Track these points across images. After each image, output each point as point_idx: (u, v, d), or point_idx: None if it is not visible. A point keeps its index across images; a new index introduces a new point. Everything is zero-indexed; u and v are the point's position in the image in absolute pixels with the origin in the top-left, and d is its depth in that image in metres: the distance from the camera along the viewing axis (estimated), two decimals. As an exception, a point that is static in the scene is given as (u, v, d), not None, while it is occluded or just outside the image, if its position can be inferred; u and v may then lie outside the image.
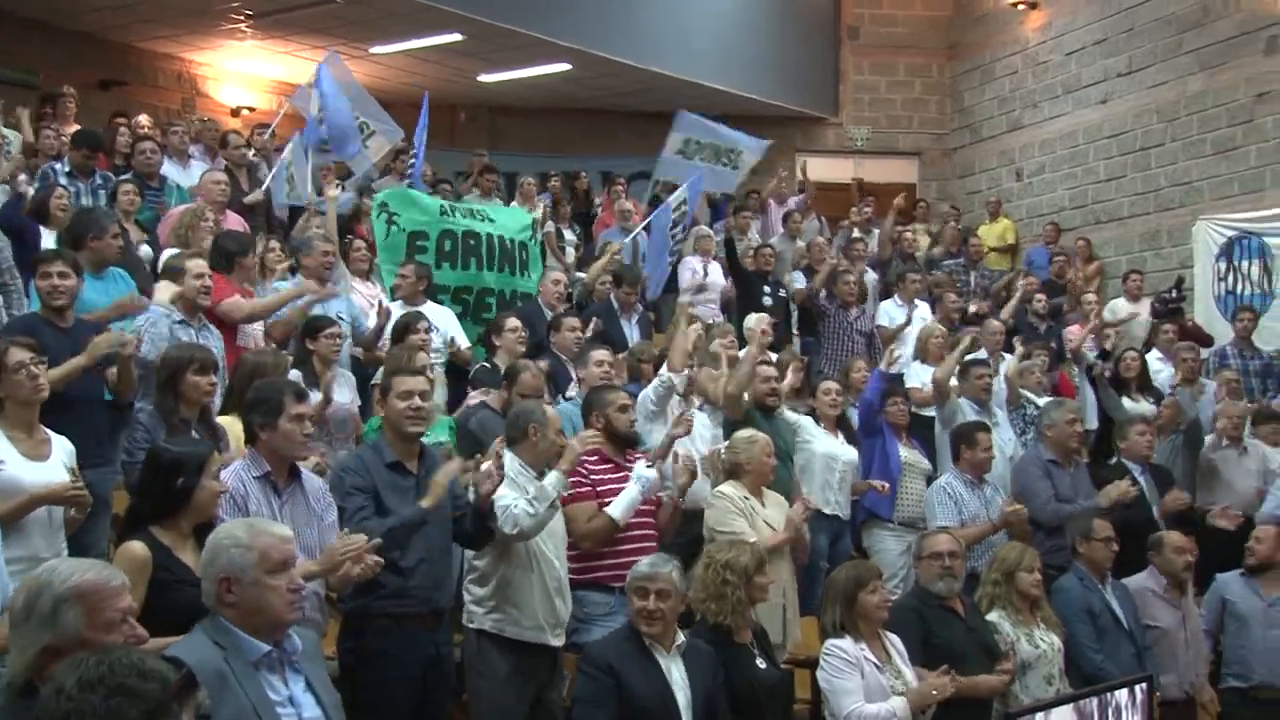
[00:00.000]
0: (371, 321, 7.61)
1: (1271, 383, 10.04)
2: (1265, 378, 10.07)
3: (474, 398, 6.71)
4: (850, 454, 7.38)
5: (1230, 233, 12.48)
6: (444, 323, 7.92)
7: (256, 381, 4.96)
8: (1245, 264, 12.33)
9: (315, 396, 6.04)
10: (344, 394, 6.75)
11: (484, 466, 4.76)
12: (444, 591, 4.90)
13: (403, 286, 8.01)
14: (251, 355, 6.07)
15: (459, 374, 7.77)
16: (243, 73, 14.95)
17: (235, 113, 14.72)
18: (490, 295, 8.91)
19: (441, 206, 8.99)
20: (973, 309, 11.08)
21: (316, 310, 7.07)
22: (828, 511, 7.14)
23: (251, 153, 10.40)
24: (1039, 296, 10.99)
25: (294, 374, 6.15)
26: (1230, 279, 12.47)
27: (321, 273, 7.53)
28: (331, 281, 7.71)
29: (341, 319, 7.25)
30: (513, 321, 7.57)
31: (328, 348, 6.66)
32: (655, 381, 6.69)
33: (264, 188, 9.63)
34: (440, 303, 8.40)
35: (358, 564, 4.05)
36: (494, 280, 8.93)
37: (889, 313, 10.44)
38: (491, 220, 9.16)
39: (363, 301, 8.09)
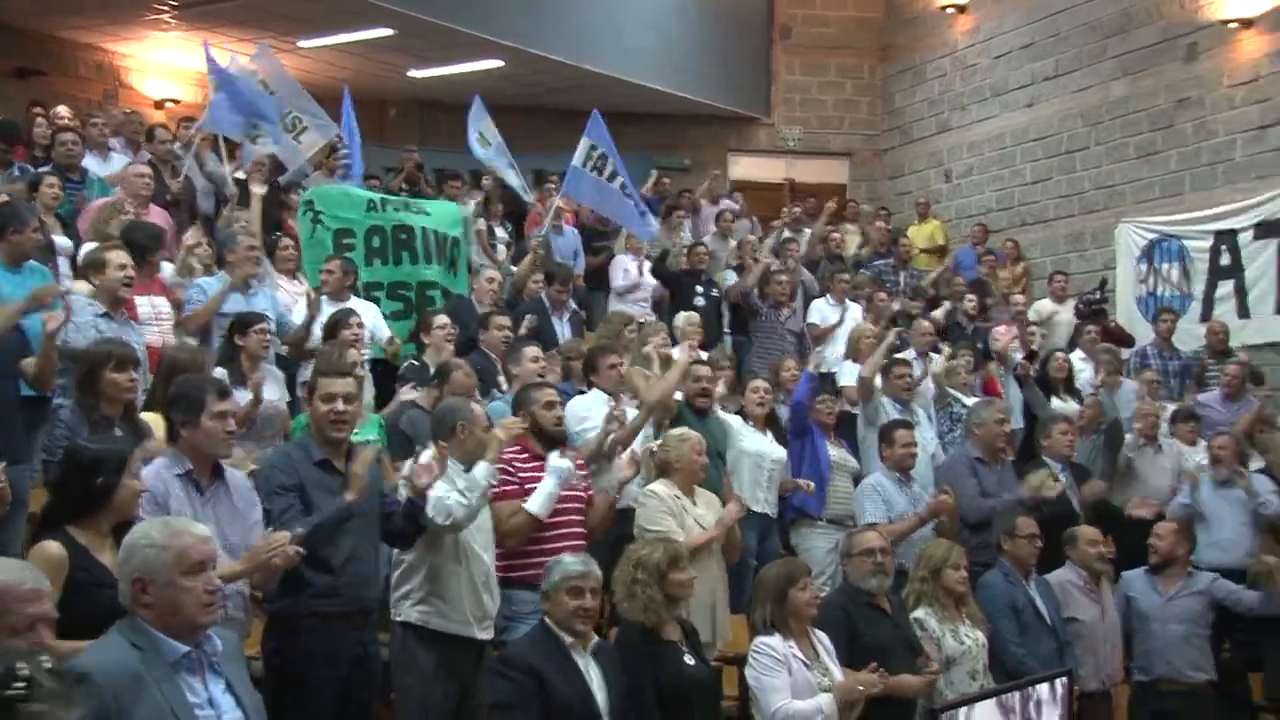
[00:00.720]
0: (298, 318, 7.52)
1: (1190, 383, 10.24)
2: (1184, 378, 10.28)
3: (403, 395, 6.67)
4: (779, 452, 7.41)
5: (1151, 235, 12.71)
6: (369, 319, 7.86)
7: (178, 378, 4.88)
8: (1165, 266, 12.56)
9: (242, 394, 5.99)
10: (272, 391, 6.67)
11: (424, 458, 4.73)
12: (372, 590, 4.85)
13: (329, 283, 7.93)
14: (171, 350, 5.97)
15: (389, 371, 7.70)
16: (167, 64, 14.69)
17: (159, 105, 14.47)
18: (433, 288, 8.84)
19: (370, 201, 8.90)
20: (898, 306, 11.19)
21: (244, 307, 6.98)
22: (757, 509, 7.17)
23: (178, 146, 10.23)
24: (969, 297, 11.12)
25: (220, 371, 6.11)
26: (1151, 281, 12.70)
27: (248, 268, 7.43)
28: (257, 278, 7.62)
29: (268, 316, 7.15)
30: (441, 319, 7.54)
31: (257, 344, 6.57)
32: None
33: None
34: (376, 300, 8.33)
35: (278, 555, 4.02)
36: (432, 274, 8.86)
37: (821, 312, 10.52)
38: (427, 214, 9.09)
39: (288, 299, 7.99)
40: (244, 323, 6.62)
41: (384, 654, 5.11)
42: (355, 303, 7.85)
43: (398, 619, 5.09)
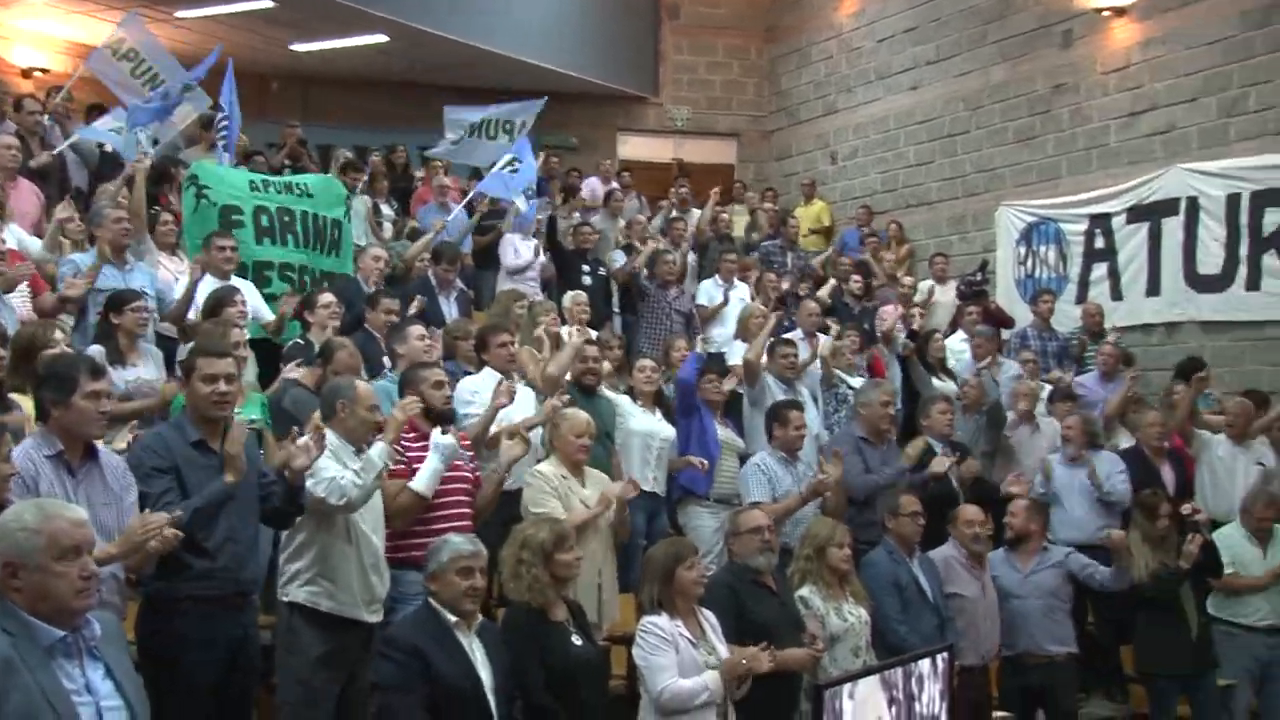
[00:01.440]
0: (180, 295, 7.33)
1: (1068, 363, 10.52)
2: (1062, 358, 10.55)
3: (286, 373, 6.55)
4: (667, 431, 7.44)
5: (1029, 219, 13.00)
6: (251, 298, 7.68)
7: (45, 355, 4.73)
8: (1043, 249, 12.86)
9: (117, 373, 5.83)
10: (150, 370, 6.50)
11: (300, 440, 4.65)
12: (250, 572, 4.77)
13: (213, 260, 7.72)
14: (25, 327, 5.81)
15: (272, 350, 7.55)
16: (35, 32, 14.15)
17: (27, 74, 13.95)
18: (309, 274, 8.70)
19: (252, 181, 8.69)
20: (786, 287, 11.29)
21: (121, 284, 6.79)
22: (646, 489, 7.18)
23: (46, 117, 9.88)
24: (854, 278, 11.26)
25: (96, 349, 5.95)
26: (1030, 263, 13.00)
27: (119, 243, 7.21)
28: (136, 255, 7.41)
29: (146, 293, 6.96)
30: (326, 297, 7.43)
31: (134, 322, 6.41)
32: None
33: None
34: (268, 280, 8.16)
35: (154, 538, 3.94)
36: (311, 259, 8.71)
37: (708, 292, 10.57)
38: (311, 196, 8.91)
39: (168, 275, 7.78)
40: (120, 300, 6.45)
41: (264, 638, 5.02)
42: (236, 282, 7.67)
43: (285, 599, 5.01)
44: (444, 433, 5.51)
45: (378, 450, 4.95)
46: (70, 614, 3.03)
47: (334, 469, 4.83)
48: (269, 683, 5.19)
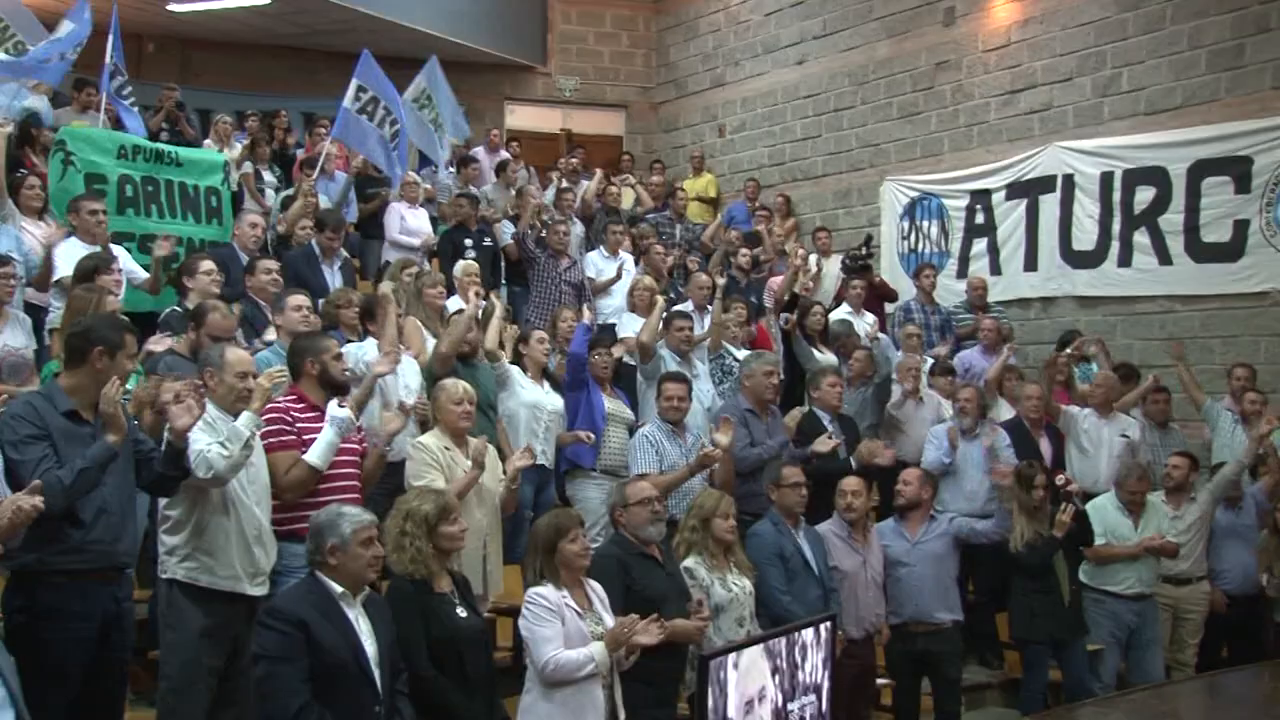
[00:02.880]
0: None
1: (950, 336, 10.72)
2: (944, 332, 10.75)
3: (149, 346, 6.37)
4: (555, 403, 7.43)
5: (913, 194, 13.20)
6: (125, 262, 7.49)
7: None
8: (926, 223, 13.07)
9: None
10: (18, 338, 6.30)
11: (180, 403, 4.53)
12: (125, 545, 4.66)
13: (84, 224, 7.49)
14: None
15: (150, 319, 7.36)
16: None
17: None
18: (178, 244, 8.48)
19: (122, 147, 8.45)
20: (673, 260, 11.32)
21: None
22: (535, 461, 7.18)
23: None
24: (743, 251, 11.31)
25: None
26: (913, 238, 13.21)
27: None
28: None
29: (14, 258, 6.73)
30: (207, 264, 7.25)
31: (1, 289, 6.18)
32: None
33: None
34: (127, 251, 7.94)
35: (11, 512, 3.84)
36: (179, 229, 8.49)
37: (595, 264, 10.54)
38: (180, 165, 8.69)
39: (34, 241, 7.51)
40: (-19, 264, 6.23)
41: (140, 611, 4.91)
42: (113, 248, 7.47)
43: (163, 576, 4.91)
44: (339, 405, 5.43)
45: (244, 420, 4.86)
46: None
47: (202, 441, 4.73)
48: (145, 657, 5.07)
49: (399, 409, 5.80)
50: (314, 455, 5.27)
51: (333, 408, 5.39)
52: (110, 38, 9.38)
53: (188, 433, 4.57)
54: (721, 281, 9.61)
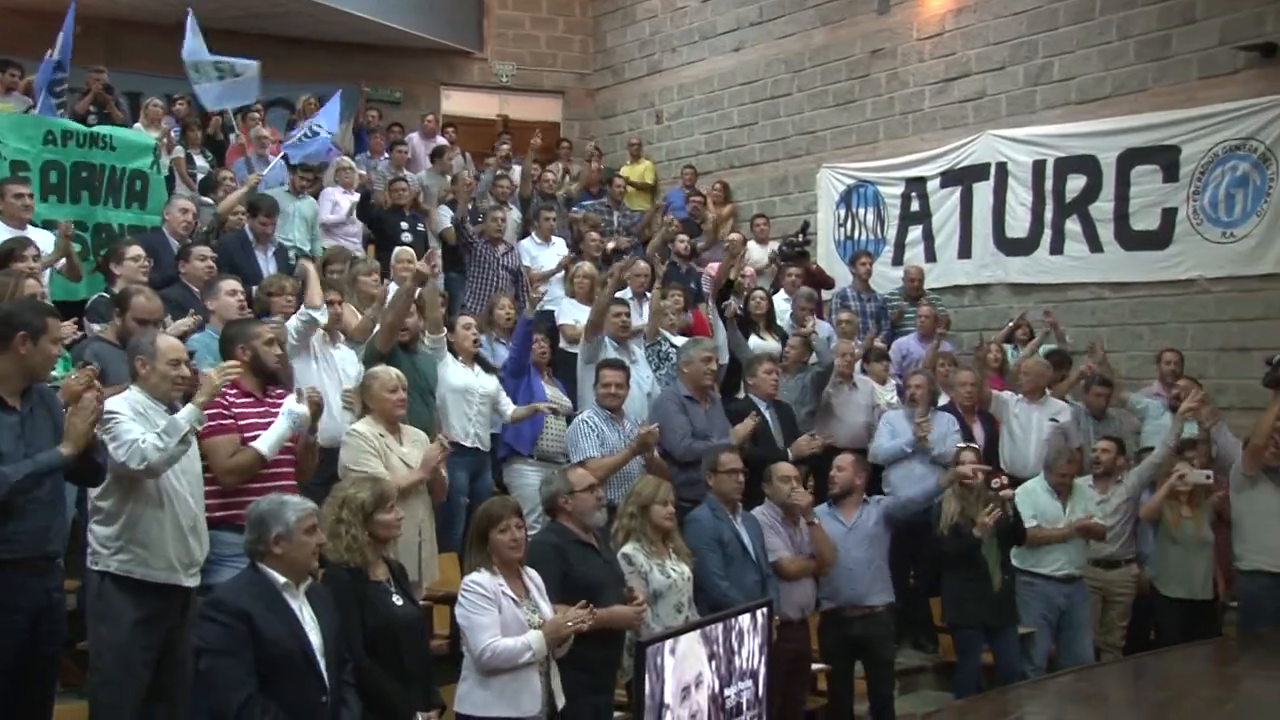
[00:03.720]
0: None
1: (885, 323, 10.81)
2: (880, 319, 10.84)
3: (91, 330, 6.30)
4: (487, 385, 7.40)
5: (849, 181, 13.27)
6: (45, 248, 7.34)
7: None
8: (862, 211, 13.16)
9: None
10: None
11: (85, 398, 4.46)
12: (55, 535, 4.59)
13: (8, 208, 7.35)
14: None
15: (76, 308, 7.24)
16: None
17: None
18: (106, 231, 8.35)
19: (50, 133, 8.28)
20: (612, 246, 11.32)
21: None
22: (467, 444, 7.17)
23: None
24: (681, 237, 11.32)
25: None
26: (849, 225, 13.29)
27: None
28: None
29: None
30: (135, 250, 7.12)
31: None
32: (296, 317, 6.50)
33: None
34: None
35: None
36: (107, 215, 8.36)
37: (529, 251, 10.52)
38: (113, 149, 8.54)
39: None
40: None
41: (71, 602, 4.84)
42: (31, 231, 7.31)
43: (95, 568, 4.82)
44: (271, 392, 5.38)
45: (185, 413, 4.79)
46: None
47: (136, 431, 4.65)
48: (75, 649, 5.00)
49: (311, 398, 5.63)
50: (264, 444, 5.22)
51: (290, 402, 5.34)
52: (62, 34, 9.17)
53: (91, 433, 4.46)
54: (662, 268, 9.62)
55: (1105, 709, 5.60)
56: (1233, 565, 7.61)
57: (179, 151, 10.77)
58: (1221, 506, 7.75)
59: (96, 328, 6.29)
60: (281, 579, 4.20)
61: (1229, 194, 10.07)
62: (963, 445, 7.33)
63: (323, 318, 6.54)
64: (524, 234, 11.27)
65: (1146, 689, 5.70)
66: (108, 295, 6.91)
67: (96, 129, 8.84)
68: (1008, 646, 7.09)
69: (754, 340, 9.29)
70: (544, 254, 10.41)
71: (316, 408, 5.49)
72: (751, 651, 4.66)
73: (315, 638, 4.20)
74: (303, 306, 6.59)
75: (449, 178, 12.02)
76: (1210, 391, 8.83)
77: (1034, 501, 7.51)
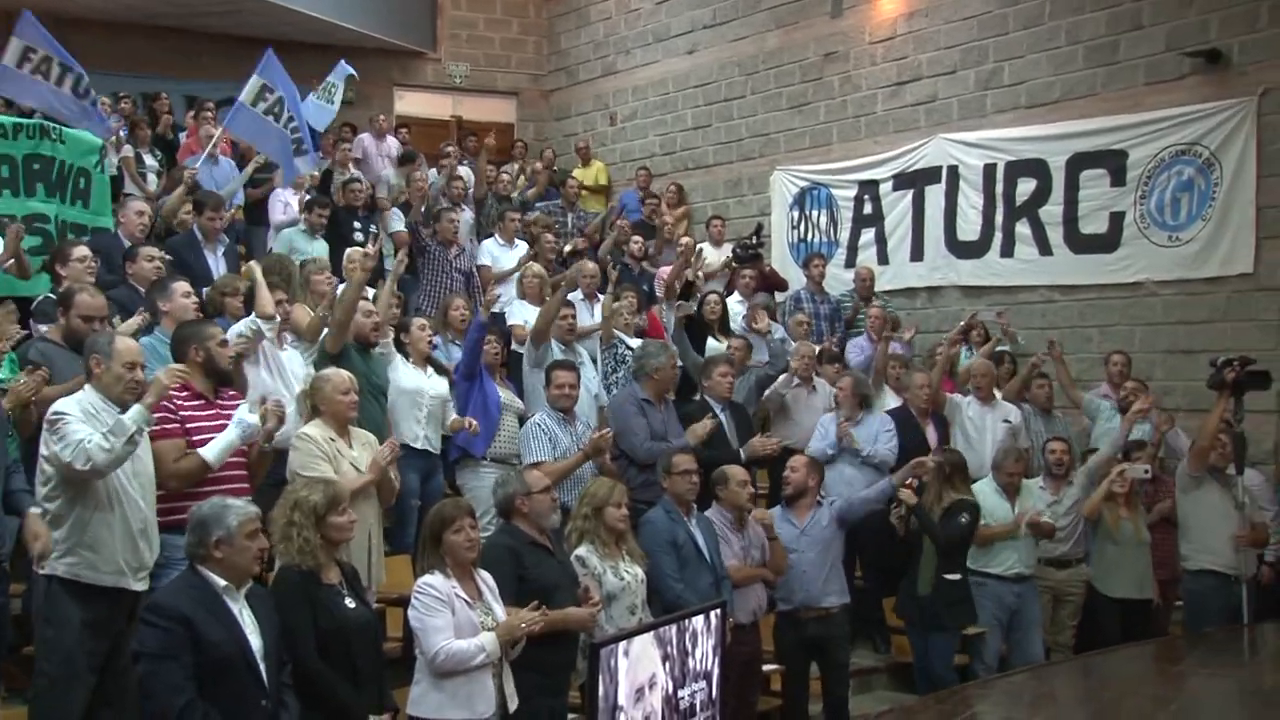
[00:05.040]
0: None
1: (839, 325, 10.87)
2: (834, 320, 10.89)
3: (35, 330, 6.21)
4: (437, 387, 7.37)
5: (802, 183, 13.33)
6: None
7: None
8: (815, 213, 13.21)
9: None
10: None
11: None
12: (1, 538, 4.51)
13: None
14: None
15: (22, 305, 7.14)
16: None
17: None
18: (63, 225, 8.23)
19: (1, 127, 8.16)
20: (568, 249, 11.31)
21: None
22: (417, 447, 7.14)
23: None
24: (635, 239, 11.33)
25: None
26: (803, 227, 13.34)
27: None
28: None
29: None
30: (81, 250, 7.02)
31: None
32: (244, 323, 6.42)
33: None
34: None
35: None
36: (59, 210, 8.24)
37: (490, 252, 10.49)
38: (62, 142, 8.42)
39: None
40: None
41: (15, 606, 4.78)
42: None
43: (42, 571, 4.76)
44: (223, 395, 5.33)
45: (133, 414, 4.74)
46: None
47: (84, 431, 4.60)
48: (18, 654, 4.93)
49: (274, 409, 5.61)
50: (210, 452, 5.18)
51: (242, 412, 5.31)
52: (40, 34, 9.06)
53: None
54: (614, 272, 9.61)
55: (1054, 708, 5.66)
56: (1177, 567, 7.72)
57: (128, 150, 10.66)
58: (1169, 511, 7.86)
59: (43, 328, 6.20)
60: (222, 582, 4.17)
61: (1175, 198, 10.20)
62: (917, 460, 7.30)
63: (270, 331, 6.43)
64: (479, 235, 11.23)
65: (1094, 688, 5.76)
66: (54, 295, 6.83)
67: (45, 122, 8.73)
68: (932, 652, 7.12)
69: (710, 342, 9.29)
70: (507, 256, 10.37)
71: (278, 420, 5.46)
72: (705, 653, 4.68)
73: (256, 641, 4.18)
74: (253, 314, 6.50)
75: (402, 180, 11.96)
76: (1157, 393, 8.95)
77: (984, 501, 7.56)
